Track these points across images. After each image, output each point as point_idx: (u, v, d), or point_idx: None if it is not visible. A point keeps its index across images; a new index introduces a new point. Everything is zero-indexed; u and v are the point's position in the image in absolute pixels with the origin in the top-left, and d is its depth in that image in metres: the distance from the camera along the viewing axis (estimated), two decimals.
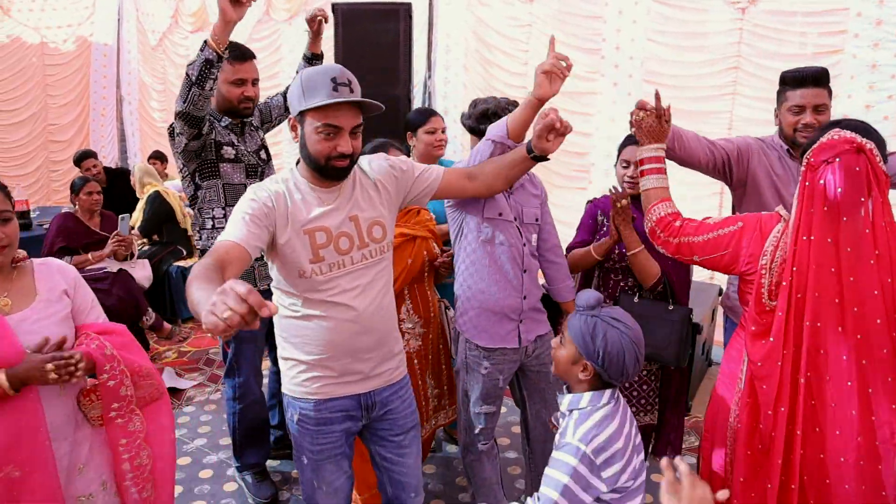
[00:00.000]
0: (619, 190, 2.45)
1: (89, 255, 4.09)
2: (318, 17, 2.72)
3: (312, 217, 1.78)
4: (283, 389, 1.95)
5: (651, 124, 2.07)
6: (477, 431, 2.44)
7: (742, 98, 4.32)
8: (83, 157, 5.31)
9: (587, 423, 1.61)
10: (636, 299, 2.49)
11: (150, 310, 4.38)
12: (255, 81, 2.63)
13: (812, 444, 1.73)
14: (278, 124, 2.95)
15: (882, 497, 1.69)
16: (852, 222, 1.62)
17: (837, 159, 1.62)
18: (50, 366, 1.60)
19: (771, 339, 1.73)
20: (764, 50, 4.20)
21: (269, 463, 3.00)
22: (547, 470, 1.60)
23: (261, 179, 2.57)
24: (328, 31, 4.23)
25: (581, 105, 4.84)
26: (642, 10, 4.56)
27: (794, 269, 1.68)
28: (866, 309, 1.63)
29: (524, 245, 2.35)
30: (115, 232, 4.23)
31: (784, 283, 1.70)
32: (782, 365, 1.71)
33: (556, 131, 1.97)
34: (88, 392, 1.78)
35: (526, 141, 2.03)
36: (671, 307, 2.45)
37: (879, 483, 1.67)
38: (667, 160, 2.21)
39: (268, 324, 2.51)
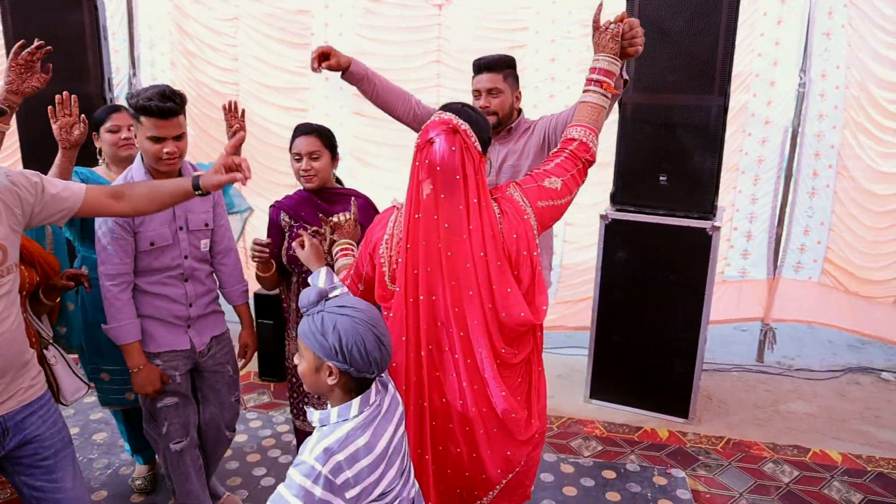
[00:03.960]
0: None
1: None
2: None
3: None
4: None
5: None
6: (164, 431, 2.40)
7: (445, 90, 4.57)
8: None
9: (330, 437, 1.44)
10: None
11: None
12: None
13: (441, 413, 1.87)
14: None
15: (480, 462, 1.87)
16: (449, 199, 1.75)
17: (437, 139, 1.74)
18: None
19: (391, 314, 1.83)
20: (461, 45, 4.50)
21: None
22: (280, 486, 1.44)
23: None
24: None
25: (296, 101, 4.79)
26: (348, 5, 4.63)
27: (408, 246, 1.79)
28: (461, 282, 1.77)
29: (185, 257, 2.34)
30: None
31: (400, 261, 1.80)
32: (407, 339, 1.82)
33: (234, 172, 1.95)
34: None
35: (193, 177, 2.00)
36: None
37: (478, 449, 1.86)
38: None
39: None
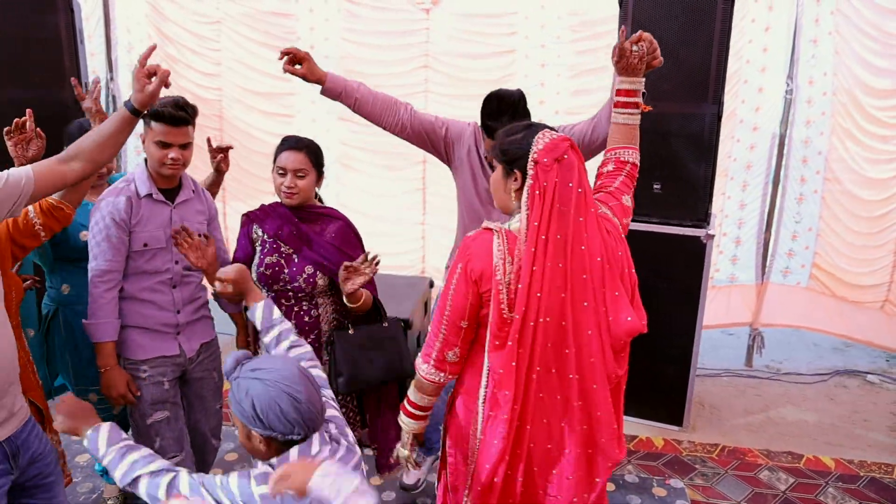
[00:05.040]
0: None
1: None
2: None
3: None
4: None
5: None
6: (158, 447, 2.34)
7: (434, 95, 4.52)
8: None
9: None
10: (351, 331, 2.42)
11: None
12: None
13: (540, 435, 1.84)
14: None
15: (592, 485, 1.87)
16: (574, 214, 1.74)
17: (565, 156, 1.72)
18: None
19: (509, 342, 1.75)
20: (449, 50, 4.44)
21: None
22: None
23: None
24: None
25: (281, 106, 4.71)
26: (333, 9, 4.56)
27: (534, 268, 1.73)
28: (576, 295, 1.75)
29: (176, 262, 2.36)
30: None
31: (521, 286, 1.73)
32: (517, 364, 1.76)
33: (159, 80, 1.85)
34: None
35: (125, 102, 1.87)
36: (385, 323, 2.48)
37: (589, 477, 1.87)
38: None
39: None
